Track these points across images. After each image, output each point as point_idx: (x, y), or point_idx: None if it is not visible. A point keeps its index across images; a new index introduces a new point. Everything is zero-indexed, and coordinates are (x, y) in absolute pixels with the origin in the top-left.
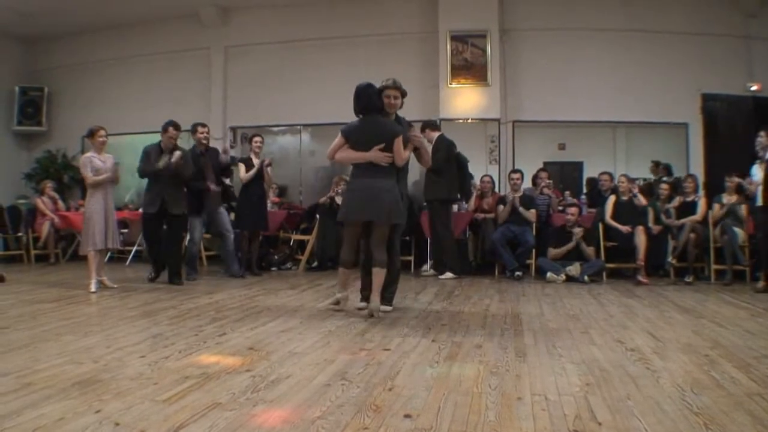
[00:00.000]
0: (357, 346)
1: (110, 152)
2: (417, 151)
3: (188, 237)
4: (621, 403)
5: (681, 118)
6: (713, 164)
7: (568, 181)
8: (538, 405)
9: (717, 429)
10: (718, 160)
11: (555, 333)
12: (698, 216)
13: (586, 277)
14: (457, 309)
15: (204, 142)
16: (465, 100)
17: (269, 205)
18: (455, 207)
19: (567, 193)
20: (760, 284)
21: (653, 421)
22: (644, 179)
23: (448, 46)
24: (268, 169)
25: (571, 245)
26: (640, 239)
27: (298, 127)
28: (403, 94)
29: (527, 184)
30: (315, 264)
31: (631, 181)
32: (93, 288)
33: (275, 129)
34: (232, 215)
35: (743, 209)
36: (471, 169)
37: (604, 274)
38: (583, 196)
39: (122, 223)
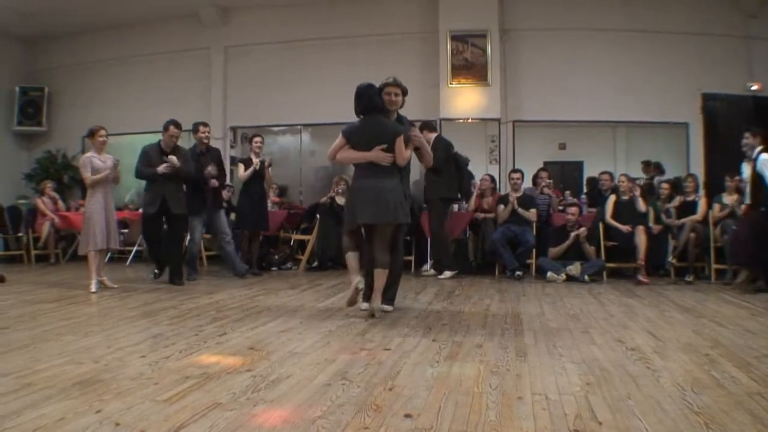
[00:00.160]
0: (357, 346)
1: (110, 152)
2: (418, 150)
3: (188, 237)
4: (621, 403)
5: (681, 118)
6: (713, 164)
7: (569, 180)
8: (539, 404)
9: (717, 428)
10: (718, 159)
11: (555, 332)
12: (698, 216)
13: (586, 277)
14: (458, 309)
15: (205, 141)
16: (465, 100)
17: (269, 204)
18: (455, 207)
19: (567, 192)
20: (741, 279)
21: (654, 420)
22: (644, 178)
23: (449, 46)
24: (269, 169)
25: (569, 242)
26: (641, 239)
27: (299, 127)
28: (404, 92)
29: (527, 183)
30: (315, 264)
31: (632, 180)
32: (93, 288)
33: (275, 129)
34: (233, 215)
35: (743, 209)
36: (471, 168)
37: (605, 273)
38: (584, 196)
39: (122, 223)
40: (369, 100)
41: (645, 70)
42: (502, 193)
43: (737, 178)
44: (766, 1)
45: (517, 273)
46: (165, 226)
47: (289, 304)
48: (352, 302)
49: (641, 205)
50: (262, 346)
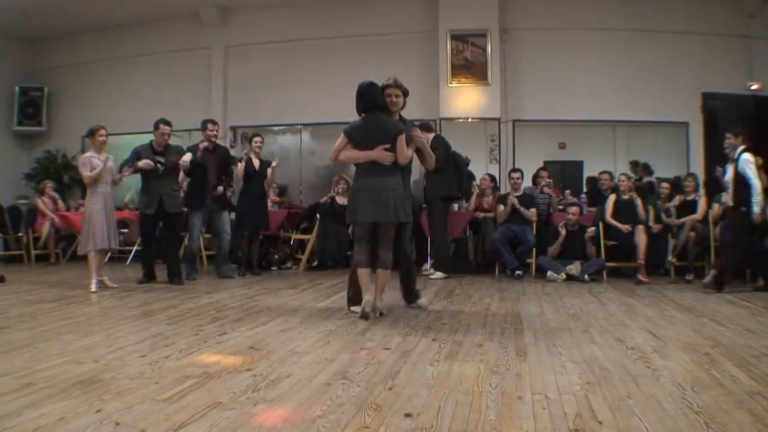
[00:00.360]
0: (357, 346)
1: (110, 152)
2: (419, 152)
3: (187, 235)
4: (621, 402)
5: (681, 117)
6: (713, 163)
7: (569, 180)
8: (539, 404)
9: (717, 427)
10: (718, 159)
11: (555, 332)
12: (698, 215)
13: (586, 276)
14: (458, 308)
15: (213, 139)
16: (465, 100)
17: (270, 204)
18: (455, 206)
19: (567, 192)
20: (709, 278)
21: (654, 419)
22: (655, 178)
23: (449, 46)
24: (269, 170)
25: (561, 238)
26: (641, 238)
27: (299, 126)
28: (405, 93)
29: (527, 183)
30: (315, 263)
31: (631, 179)
32: (93, 288)
33: (275, 128)
34: (232, 215)
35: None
36: (471, 168)
37: (605, 272)
38: (584, 195)
39: (122, 223)
40: (370, 98)
41: (645, 70)
42: (503, 192)
43: (721, 174)
44: (766, 1)
45: (517, 272)
46: (162, 226)
47: (289, 303)
48: (363, 317)
49: (641, 211)
50: (262, 345)
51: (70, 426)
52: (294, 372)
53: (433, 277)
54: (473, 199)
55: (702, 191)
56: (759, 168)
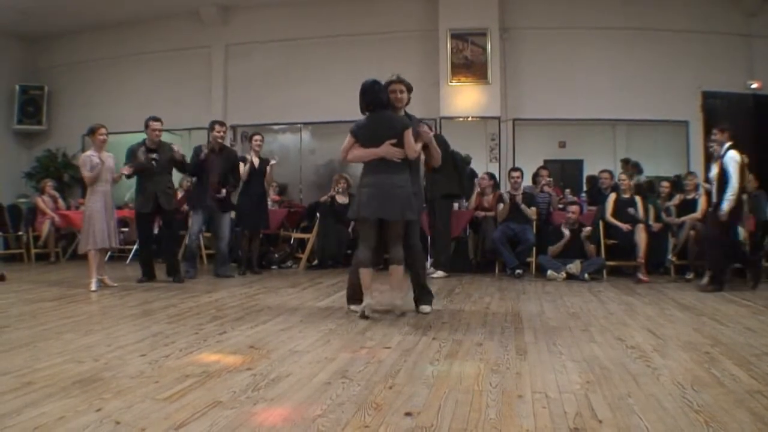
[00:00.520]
0: (357, 345)
1: (111, 150)
2: (426, 149)
3: (188, 232)
4: (621, 401)
5: (681, 116)
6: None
7: (569, 179)
8: (539, 403)
9: (717, 426)
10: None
11: (555, 331)
12: (698, 214)
13: (586, 275)
14: (458, 307)
15: (220, 140)
16: (465, 99)
17: (270, 203)
18: (455, 205)
19: (567, 191)
20: (705, 280)
21: (654, 418)
22: (645, 177)
23: (449, 45)
24: (268, 168)
25: (565, 240)
26: (641, 237)
27: (299, 125)
28: (409, 89)
29: (527, 182)
30: (315, 262)
31: (631, 177)
32: (93, 287)
33: (276, 127)
34: (232, 214)
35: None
36: (472, 167)
37: (605, 271)
38: (584, 194)
39: (122, 222)
40: (374, 95)
41: (645, 68)
42: (503, 191)
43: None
44: (766, 0)
45: (518, 271)
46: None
47: (289, 302)
48: (362, 317)
49: (640, 210)
50: (262, 344)
51: (70, 425)
52: (294, 371)
53: (433, 276)
54: (473, 198)
55: (702, 190)
56: (745, 166)
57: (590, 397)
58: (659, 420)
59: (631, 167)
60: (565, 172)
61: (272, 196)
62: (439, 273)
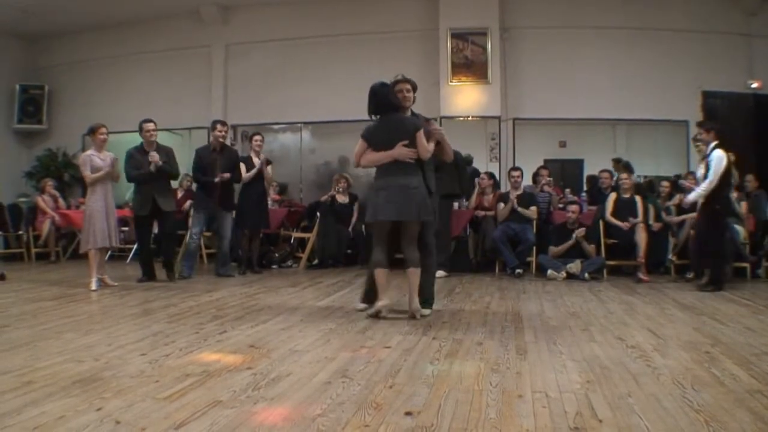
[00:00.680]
0: (358, 344)
1: (111, 150)
2: (438, 145)
3: (188, 232)
4: (621, 400)
5: (681, 116)
6: None
7: (569, 178)
8: (539, 402)
9: (717, 426)
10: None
11: (556, 330)
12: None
13: (586, 275)
14: (458, 307)
15: (221, 140)
16: (465, 98)
17: (270, 203)
18: (456, 205)
19: (567, 190)
20: (705, 280)
21: (654, 418)
22: (645, 176)
23: (449, 44)
24: (269, 167)
25: (570, 243)
26: (641, 236)
27: (299, 124)
28: (414, 88)
29: (527, 181)
30: (316, 262)
31: (632, 177)
32: (94, 286)
33: (276, 127)
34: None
35: (743, 207)
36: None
37: (605, 271)
38: (584, 194)
39: (123, 221)
40: (383, 98)
41: (645, 68)
42: (503, 190)
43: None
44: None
45: (518, 271)
46: (157, 226)
47: (290, 302)
48: (374, 315)
49: (640, 211)
50: (263, 344)
51: (70, 424)
52: (294, 370)
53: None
54: (474, 197)
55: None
56: (731, 164)
57: (590, 396)
58: (659, 419)
59: (622, 167)
60: (565, 172)
61: (272, 195)
62: (440, 272)
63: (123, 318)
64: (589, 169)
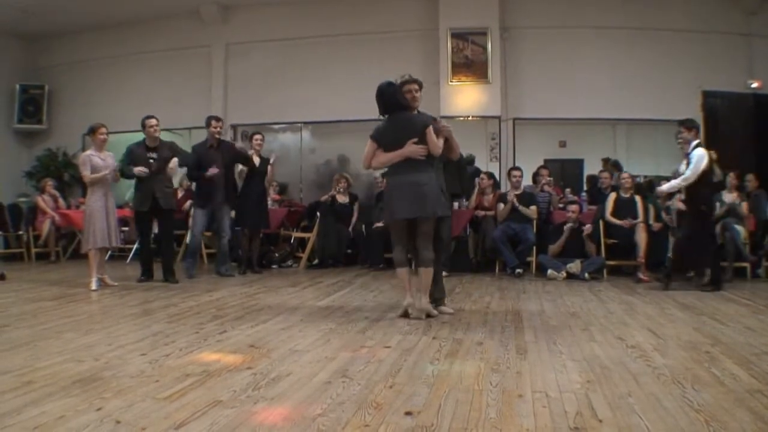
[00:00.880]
0: (358, 344)
1: (111, 150)
2: (446, 142)
3: (190, 231)
4: (622, 400)
5: (681, 116)
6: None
7: (569, 178)
8: (539, 402)
9: (717, 426)
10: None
11: (556, 330)
12: None
13: (586, 275)
14: (458, 306)
15: (217, 136)
16: (466, 98)
17: (270, 202)
18: (456, 204)
19: (567, 190)
20: (705, 280)
21: (654, 417)
22: (645, 176)
23: (449, 44)
24: (269, 167)
25: (564, 237)
26: (641, 236)
27: (299, 124)
28: (421, 88)
29: (528, 181)
30: (316, 262)
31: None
32: (94, 286)
33: (276, 126)
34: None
35: (743, 207)
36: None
37: (605, 271)
38: (584, 194)
39: (123, 221)
40: (391, 98)
41: (645, 68)
42: (503, 190)
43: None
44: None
45: (518, 271)
46: (156, 225)
47: (290, 301)
48: (403, 315)
49: (640, 211)
50: (263, 343)
51: (71, 424)
52: (294, 370)
53: None
54: (474, 197)
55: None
56: (713, 162)
57: (590, 396)
58: (659, 419)
59: (611, 166)
60: (565, 172)
61: (272, 195)
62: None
63: (123, 318)
64: (589, 169)
